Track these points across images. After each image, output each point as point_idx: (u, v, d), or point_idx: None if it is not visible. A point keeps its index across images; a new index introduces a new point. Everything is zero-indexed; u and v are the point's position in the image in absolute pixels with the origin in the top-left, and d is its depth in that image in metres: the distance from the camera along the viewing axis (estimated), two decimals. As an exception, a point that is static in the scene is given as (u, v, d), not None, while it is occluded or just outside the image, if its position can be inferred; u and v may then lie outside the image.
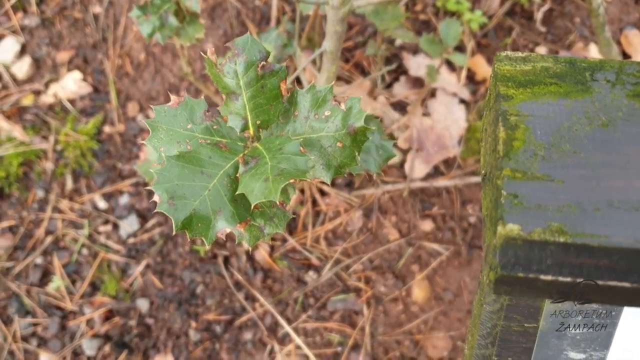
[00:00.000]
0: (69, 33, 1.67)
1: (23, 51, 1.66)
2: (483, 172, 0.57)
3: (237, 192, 0.52)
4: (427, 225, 1.50)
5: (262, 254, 1.49)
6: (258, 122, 0.58)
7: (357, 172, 0.71)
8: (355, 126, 0.55)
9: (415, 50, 1.61)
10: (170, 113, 0.58)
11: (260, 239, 0.59)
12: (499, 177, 0.48)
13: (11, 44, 1.65)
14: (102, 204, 1.54)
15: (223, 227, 0.52)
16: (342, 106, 0.56)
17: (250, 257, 1.49)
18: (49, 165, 1.56)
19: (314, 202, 1.51)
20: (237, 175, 0.55)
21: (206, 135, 0.59)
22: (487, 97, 0.58)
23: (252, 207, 0.55)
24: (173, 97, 0.61)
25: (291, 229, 1.51)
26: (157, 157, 0.59)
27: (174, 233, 0.52)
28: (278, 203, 0.59)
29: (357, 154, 0.56)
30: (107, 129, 1.59)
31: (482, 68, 1.62)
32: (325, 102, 0.56)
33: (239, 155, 0.56)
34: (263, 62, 0.55)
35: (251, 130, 0.58)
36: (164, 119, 0.59)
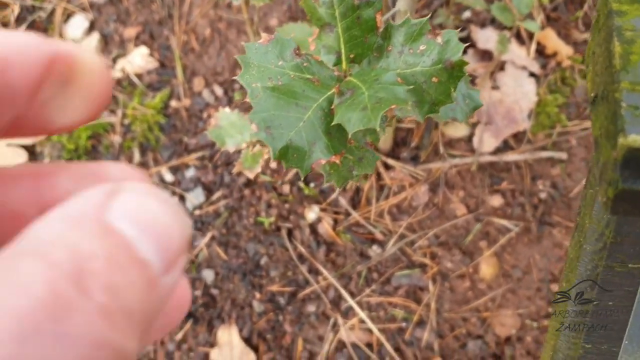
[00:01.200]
0: (136, 10, 1.70)
1: (92, 28, 1.69)
2: (593, 94, 0.54)
3: (333, 123, 0.51)
4: (496, 201, 1.46)
5: (325, 227, 1.48)
6: (352, 55, 0.56)
7: (444, 120, 0.69)
8: (452, 60, 0.53)
9: (483, 23, 1.58)
10: (261, 50, 0.57)
11: (348, 179, 0.58)
12: (617, 90, 0.46)
13: (80, 21, 1.68)
14: (168, 177, 1.55)
15: (318, 157, 0.51)
16: (439, 39, 0.54)
17: (313, 230, 1.49)
18: (116, 139, 1.58)
19: (378, 176, 1.49)
20: (332, 107, 0.53)
21: (297, 72, 0.58)
22: (596, 19, 0.55)
23: (349, 137, 0.54)
24: (264, 35, 0.60)
25: (354, 202, 1.50)
26: (249, 93, 0.58)
27: (272, 160, 0.51)
28: (368, 142, 0.58)
29: (452, 90, 0.54)
30: (173, 103, 1.60)
31: (552, 41, 1.57)
32: (420, 35, 0.54)
33: (332, 89, 0.55)
34: None
35: (344, 65, 0.56)
36: (255, 55, 0.58)
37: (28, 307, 0.18)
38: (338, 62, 0.57)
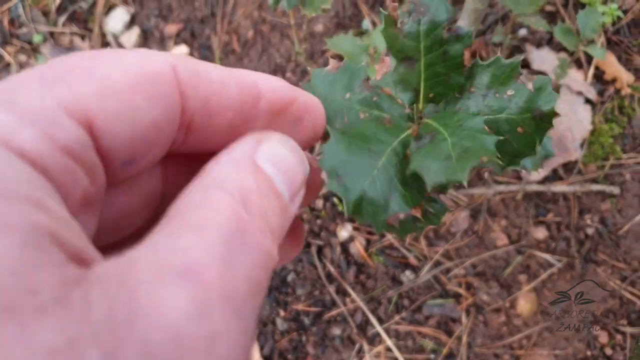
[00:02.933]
0: (179, 6, 1.65)
1: (132, 22, 1.65)
2: None
3: (408, 172, 0.44)
4: (540, 233, 1.38)
5: (357, 247, 1.42)
6: (431, 95, 0.49)
7: (512, 167, 0.62)
8: (543, 110, 0.45)
9: (539, 43, 1.49)
10: (327, 78, 0.51)
11: (411, 231, 0.51)
12: None
13: (121, 14, 1.65)
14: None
15: (395, 211, 0.44)
16: (530, 86, 0.46)
17: (345, 249, 1.43)
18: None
19: (417, 198, 1.42)
20: (407, 153, 0.47)
21: (365, 107, 0.51)
22: None
23: (429, 189, 0.47)
24: (332, 61, 0.53)
25: (390, 223, 1.43)
26: None
27: (346, 216, 0.45)
28: (435, 192, 0.51)
29: (538, 142, 0.46)
30: (209, 105, 1.56)
31: (612, 67, 1.47)
32: (510, 79, 0.47)
33: (405, 132, 0.48)
34: (450, 25, 0.47)
35: (421, 105, 0.49)
36: (321, 84, 0.52)
37: (225, 224, 0.26)
38: (414, 102, 0.51)
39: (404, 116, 0.51)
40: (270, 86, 0.35)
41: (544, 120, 0.46)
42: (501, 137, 0.43)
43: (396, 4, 0.47)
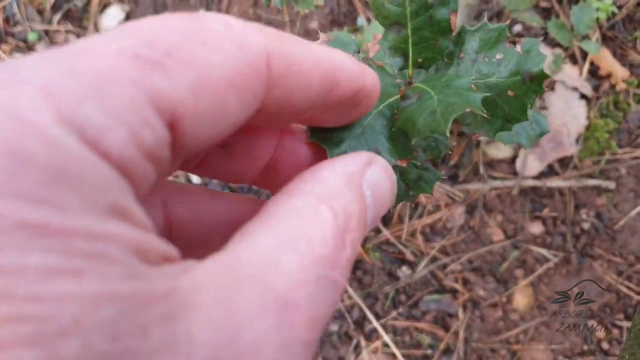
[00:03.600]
0: (173, 4, 1.65)
1: (127, 19, 1.65)
2: None
3: (394, 128, 0.45)
4: (535, 228, 1.39)
5: (354, 244, 1.42)
6: (420, 59, 0.50)
7: (509, 144, 0.62)
8: (532, 72, 0.45)
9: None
10: None
11: (404, 199, 0.51)
12: None
13: (116, 12, 1.64)
14: (195, 179, 1.51)
15: None
16: (518, 48, 0.46)
17: (341, 245, 1.43)
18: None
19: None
20: (394, 114, 0.47)
21: None
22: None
23: (414, 141, 0.47)
24: (322, 35, 0.54)
25: (386, 219, 1.43)
26: None
27: None
28: (428, 160, 0.51)
29: (529, 106, 0.46)
30: (204, 102, 1.56)
31: (607, 62, 1.48)
32: (498, 42, 0.47)
33: (394, 96, 0.49)
34: None
35: (410, 70, 0.50)
36: None
37: (325, 254, 0.25)
38: (404, 67, 0.51)
39: (395, 85, 0.51)
40: (346, 75, 0.32)
41: (534, 82, 0.46)
42: (488, 94, 0.43)
43: None
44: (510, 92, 0.46)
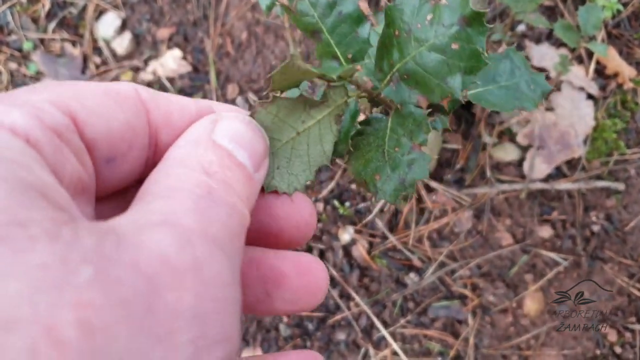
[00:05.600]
0: (170, 9, 1.62)
1: (123, 27, 1.62)
2: None
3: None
4: (545, 232, 1.36)
5: (359, 250, 1.39)
6: (349, 55, 0.49)
7: (511, 110, 0.61)
8: (466, 15, 0.43)
9: (538, 39, 1.47)
10: (270, 114, 0.51)
11: (401, 192, 0.49)
12: None
13: (112, 19, 1.61)
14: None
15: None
16: (444, 1, 0.44)
17: (347, 252, 1.40)
18: (144, 145, 1.51)
19: (419, 199, 1.40)
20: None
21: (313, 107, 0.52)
22: None
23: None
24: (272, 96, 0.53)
25: (392, 225, 1.41)
26: None
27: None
28: (414, 145, 0.49)
29: (481, 50, 0.44)
30: (204, 109, 1.53)
31: (613, 61, 1.45)
32: (422, 5, 0.45)
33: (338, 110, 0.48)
34: None
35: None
36: (265, 120, 0.52)
37: (193, 188, 0.31)
38: (340, 67, 0.50)
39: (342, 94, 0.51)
40: (225, 107, 0.40)
41: (474, 24, 0.43)
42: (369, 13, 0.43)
43: None
44: (454, 45, 0.44)
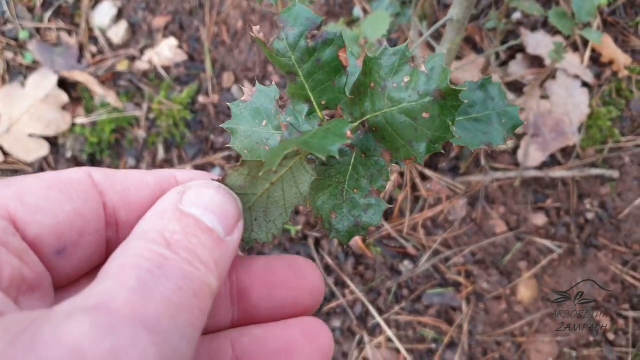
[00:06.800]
0: (166, -2, 1.62)
1: (119, 16, 1.62)
2: None
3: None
4: (539, 219, 1.37)
5: (355, 239, 1.40)
6: (323, 102, 0.48)
7: (476, 147, 0.59)
8: (442, 89, 0.43)
9: (534, 27, 1.47)
10: (246, 110, 0.52)
11: (355, 234, 0.50)
12: None
13: (108, 8, 1.61)
14: (192, 176, 1.49)
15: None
16: (423, 68, 0.44)
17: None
18: (141, 134, 1.52)
19: (414, 187, 1.41)
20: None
21: (281, 132, 0.51)
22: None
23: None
24: (245, 90, 0.53)
25: (387, 214, 1.41)
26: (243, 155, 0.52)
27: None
28: (372, 190, 0.50)
29: (450, 123, 0.44)
30: (201, 99, 1.53)
31: (609, 49, 1.45)
32: (402, 65, 0.44)
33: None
34: (313, 32, 0.45)
35: (319, 113, 0.48)
36: (240, 118, 0.52)
37: (143, 263, 0.31)
38: (312, 111, 0.49)
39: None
40: (187, 175, 0.42)
41: (449, 99, 0.43)
42: (348, 141, 0.42)
43: (258, 27, 0.47)
44: (425, 114, 0.44)
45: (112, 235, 0.38)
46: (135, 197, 0.38)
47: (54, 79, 1.53)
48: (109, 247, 0.38)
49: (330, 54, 0.46)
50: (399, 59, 0.45)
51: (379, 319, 1.35)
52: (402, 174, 1.40)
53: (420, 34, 1.23)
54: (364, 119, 0.47)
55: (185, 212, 0.36)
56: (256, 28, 0.47)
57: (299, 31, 0.46)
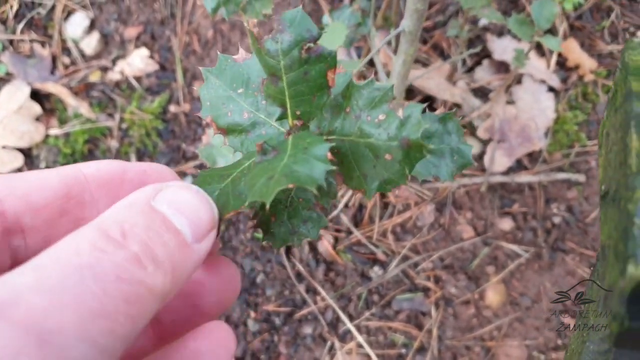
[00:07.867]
0: (138, 8, 1.63)
1: (92, 26, 1.63)
2: (603, 188, 0.46)
3: (244, 183, 0.44)
4: (506, 224, 1.38)
5: (325, 246, 1.41)
6: (298, 112, 0.48)
7: (422, 178, 0.59)
8: (410, 139, 0.43)
9: (500, 32, 1.48)
10: (231, 67, 0.50)
11: (287, 242, 0.50)
12: (630, 199, 0.37)
13: (81, 19, 1.62)
14: (164, 186, 1.50)
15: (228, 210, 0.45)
16: (400, 113, 0.44)
17: (313, 247, 1.42)
18: (113, 144, 1.53)
19: (382, 194, 1.42)
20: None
21: (251, 108, 0.50)
22: (612, 94, 0.47)
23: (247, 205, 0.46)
24: (241, 51, 0.52)
25: (357, 220, 1.43)
26: (202, 107, 0.51)
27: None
28: (317, 204, 0.51)
29: (407, 172, 0.45)
30: (172, 108, 1.54)
31: (575, 53, 1.46)
32: (381, 102, 0.45)
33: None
34: (310, 44, 0.45)
35: (290, 120, 0.48)
36: (221, 71, 0.51)
37: (71, 259, 0.28)
38: (283, 117, 0.50)
39: (279, 134, 0.51)
40: (94, 166, 0.39)
41: (413, 149, 0.43)
42: (334, 168, 0.41)
43: (255, 21, 0.46)
44: (387, 156, 0.45)
45: (19, 242, 0.36)
46: (37, 200, 0.36)
47: (26, 91, 1.54)
48: (17, 256, 0.36)
49: (319, 71, 0.46)
50: (381, 96, 0.45)
51: (349, 325, 1.36)
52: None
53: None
54: (330, 137, 0.47)
55: (155, 209, 0.34)
56: (252, 22, 0.47)
57: (295, 39, 0.46)
